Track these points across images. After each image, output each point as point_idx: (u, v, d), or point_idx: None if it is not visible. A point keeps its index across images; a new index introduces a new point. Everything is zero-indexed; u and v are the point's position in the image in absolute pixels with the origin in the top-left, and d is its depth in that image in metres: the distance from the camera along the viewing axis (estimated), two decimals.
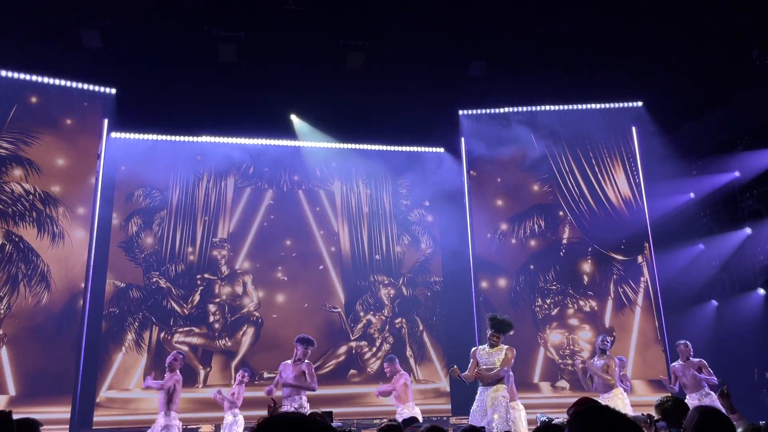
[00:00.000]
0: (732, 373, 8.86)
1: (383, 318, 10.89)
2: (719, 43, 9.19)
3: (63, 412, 8.78)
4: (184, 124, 10.31)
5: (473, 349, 7.12)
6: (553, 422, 4.14)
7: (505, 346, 6.90)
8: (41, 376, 8.81)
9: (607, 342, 7.81)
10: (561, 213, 11.01)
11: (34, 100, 9.66)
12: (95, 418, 9.36)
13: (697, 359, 7.77)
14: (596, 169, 11.01)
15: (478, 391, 6.82)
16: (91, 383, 9.31)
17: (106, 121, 10.06)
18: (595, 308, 10.64)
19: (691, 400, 7.27)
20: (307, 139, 10.93)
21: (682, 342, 7.98)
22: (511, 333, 7.06)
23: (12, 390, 8.74)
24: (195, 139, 10.70)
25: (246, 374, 8.18)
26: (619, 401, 7.29)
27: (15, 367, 8.84)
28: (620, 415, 1.65)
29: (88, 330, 9.44)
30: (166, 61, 9.37)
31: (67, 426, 7.62)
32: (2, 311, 8.98)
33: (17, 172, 9.46)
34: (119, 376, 9.66)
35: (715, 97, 10.02)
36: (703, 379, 7.56)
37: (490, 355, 6.85)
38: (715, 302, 10.52)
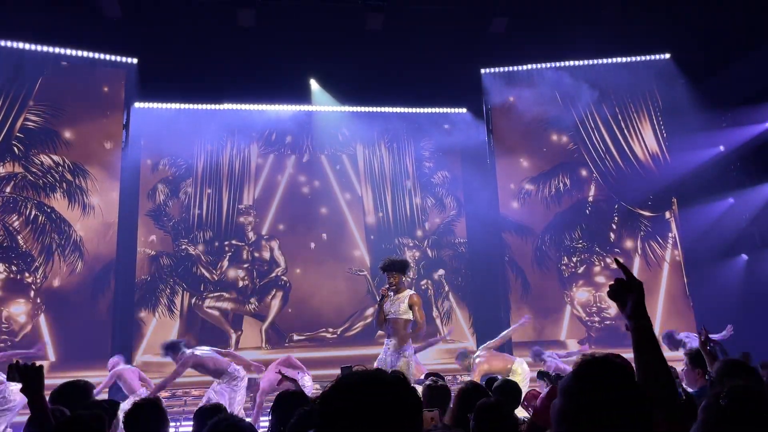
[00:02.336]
0: (763, 326, 8.81)
1: (409, 280, 10.96)
2: None
3: (101, 376, 9.08)
4: (205, 91, 10.33)
5: (385, 286, 6.48)
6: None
7: (410, 291, 6.36)
8: (79, 342, 9.11)
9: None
10: (586, 170, 10.88)
11: (57, 72, 9.75)
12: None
13: None
14: (622, 124, 10.82)
15: (385, 342, 6.35)
16: (127, 348, 9.59)
17: (129, 91, 10.13)
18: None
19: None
20: (328, 103, 10.89)
21: None
22: (411, 274, 6.59)
23: (52, 356, 9.05)
24: (217, 106, 10.73)
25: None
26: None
27: (53, 334, 9.15)
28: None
29: (121, 297, 9.70)
30: (186, 29, 9.37)
31: (107, 389, 7.90)
32: (39, 280, 9.26)
33: (46, 144, 9.63)
34: (153, 341, 9.93)
35: (744, 47, 9.71)
36: None
37: (394, 303, 6.28)
38: (745, 256, 10.39)
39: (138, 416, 2.81)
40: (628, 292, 1.93)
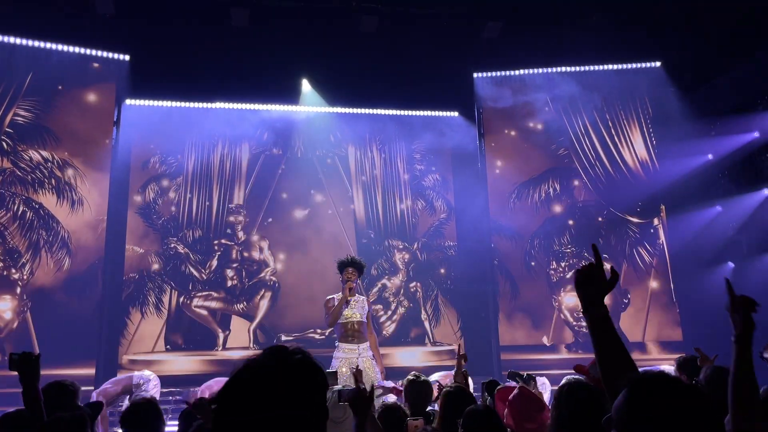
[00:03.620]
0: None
1: (398, 282, 11.00)
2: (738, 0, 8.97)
3: (87, 374, 9.03)
4: (197, 90, 10.30)
5: (329, 297, 6.47)
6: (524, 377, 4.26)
7: (363, 296, 6.41)
8: (65, 340, 9.02)
9: None
10: (576, 176, 10.95)
11: (49, 68, 9.67)
12: None
13: None
14: (612, 131, 10.90)
15: (341, 348, 6.11)
16: (114, 346, 9.54)
17: (120, 89, 10.09)
18: (610, 271, 10.62)
19: None
20: (320, 104, 10.89)
21: None
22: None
23: (38, 352, 8.97)
24: (209, 105, 10.70)
25: None
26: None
27: (40, 331, 9.07)
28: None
29: (109, 295, 9.65)
30: (179, 27, 9.34)
31: (92, 386, 7.85)
32: (26, 277, 9.19)
33: (34, 139, 9.56)
34: (141, 339, 9.89)
35: (734, 57, 9.80)
36: None
37: (356, 305, 6.25)
38: (731, 264, 10.47)
39: (136, 416, 2.81)
40: (596, 281, 1.83)
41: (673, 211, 10.66)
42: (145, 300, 10.03)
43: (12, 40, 9.31)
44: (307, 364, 1.32)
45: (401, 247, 11.15)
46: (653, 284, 10.57)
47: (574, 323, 10.45)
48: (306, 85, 10.76)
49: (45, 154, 9.58)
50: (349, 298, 6.33)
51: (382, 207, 11.27)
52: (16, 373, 2.68)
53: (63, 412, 2.69)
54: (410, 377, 3.83)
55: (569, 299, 10.56)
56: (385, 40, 9.88)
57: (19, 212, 9.32)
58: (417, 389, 3.67)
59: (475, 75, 10.97)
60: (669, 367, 6.00)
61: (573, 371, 3.99)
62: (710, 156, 10.65)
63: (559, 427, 1.70)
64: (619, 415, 1.38)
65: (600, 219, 10.85)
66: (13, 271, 9.16)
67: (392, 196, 11.34)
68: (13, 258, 9.19)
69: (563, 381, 4.39)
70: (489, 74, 11.01)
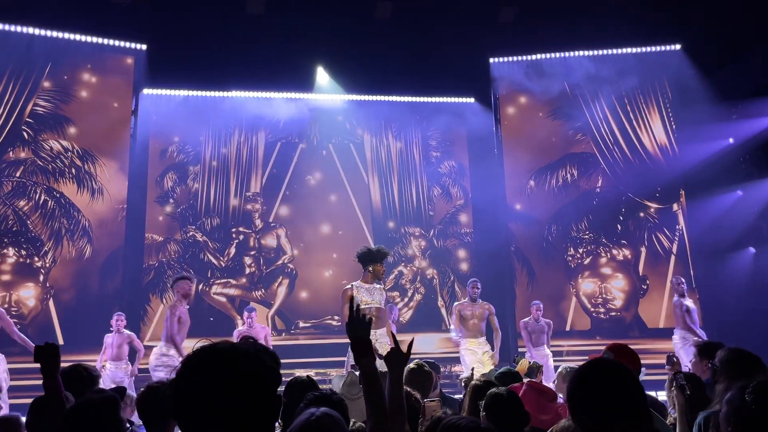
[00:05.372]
0: None
1: (414, 269, 11.01)
2: None
3: None
4: (214, 79, 10.33)
5: (347, 287, 6.47)
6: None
7: (379, 284, 6.43)
8: (87, 327, 9.17)
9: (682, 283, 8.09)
10: (594, 161, 10.84)
11: (68, 58, 9.77)
12: (140, 366, 9.76)
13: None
14: (631, 115, 10.76)
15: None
16: (135, 332, 9.67)
17: (137, 77, 10.15)
18: (629, 257, 10.57)
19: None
20: (336, 91, 10.88)
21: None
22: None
23: (60, 339, 9.14)
24: (225, 94, 10.74)
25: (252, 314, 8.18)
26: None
27: (62, 318, 9.24)
28: None
29: (129, 282, 9.78)
30: (195, 15, 9.36)
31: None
32: (48, 264, 9.35)
33: (54, 129, 9.68)
34: (161, 326, 10.00)
35: (755, 38, 9.61)
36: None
37: (372, 293, 6.32)
38: (752, 249, 10.34)
39: (152, 398, 2.84)
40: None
41: (692, 196, 10.53)
42: (165, 287, 10.14)
43: (30, 30, 9.40)
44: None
45: (417, 234, 11.15)
46: (672, 270, 10.46)
47: (592, 309, 10.40)
48: (321, 73, 10.74)
49: (65, 143, 9.70)
50: (365, 285, 6.37)
51: (398, 194, 11.27)
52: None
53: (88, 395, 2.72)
54: (412, 366, 3.73)
55: (587, 285, 10.51)
56: (399, 26, 9.82)
57: (41, 201, 9.47)
58: (415, 379, 3.56)
59: (491, 60, 10.87)
60: None
61: (588, 359, 3.96)
62: (731, 140, 10.49)
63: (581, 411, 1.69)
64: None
65: (618, 204, 10.74)
66: (36, 259, 9.32)
67: (408, 183, 11.32)
68: (36, 246, 9.34)
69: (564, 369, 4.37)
70: (505, 59, 10.89)
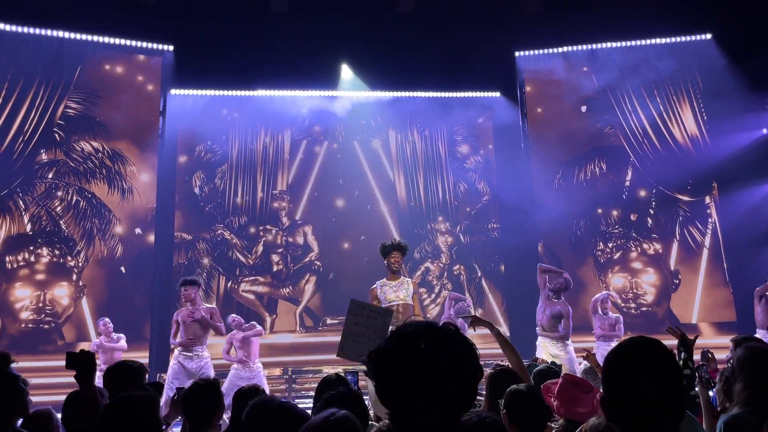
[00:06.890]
0: None
1: (441, 265, 10.97)
2: None
3: (142, 357, 9.31)
4: (240, 78, 10.40)
5: (373, 287, 6.41)
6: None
7: (408, 278, 6.29)
8: (120, 324, 9.29)
9: None
10: (623, 154, 10.67)
11: (96, 60, 9.93)
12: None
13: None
14: (661, 107, 10.57)
15: None
16: (166, 330, 9.79)
17: (165, 78, 10.27)
18: (660, 251, 10.40)
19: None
20: (360, 88, 10.87)
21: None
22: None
23: (94, 337, 9.29)
24: (251, 93, 10.81)
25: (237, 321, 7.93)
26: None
27: (95, 316, 9.38)
28: None
29: (159, 280, 9.90)
30: (220, 15, 9.43)
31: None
32: (81, 263, 9.51)
33: (85, 130, 9.84)
34: None
35: None
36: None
37: (397, 289, 6.18)
38: None
39: (197, 397, 2.86)
40: None
41: (725, 188, 10.31)
42: None
43: (60, 33, 9.56)
44: None
45: (444, 230, 11.11)
46: (705, 264, 10.27)
47: (623, 305, 10.25)
48: (346, 70, 10.74)
49: (95, 144, 9.86)
50: (391, 283, 6.37)
51: (423, 190, 11.24)
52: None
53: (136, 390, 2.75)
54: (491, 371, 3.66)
55: (617, 280, 10.37)
56: (423, 20, 9.78)
57: (73, 201, 9.64)
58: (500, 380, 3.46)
59: (516, 53, 10.77)
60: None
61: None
62: (765, 130, 10.26)
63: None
64: None
65: (649, 198, 10.57)
66: (69, 258, 9.49)
67: (434, 179, 11.28)
68: (69, 246, 9.51)
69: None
70: (531, 52, 10.78)
